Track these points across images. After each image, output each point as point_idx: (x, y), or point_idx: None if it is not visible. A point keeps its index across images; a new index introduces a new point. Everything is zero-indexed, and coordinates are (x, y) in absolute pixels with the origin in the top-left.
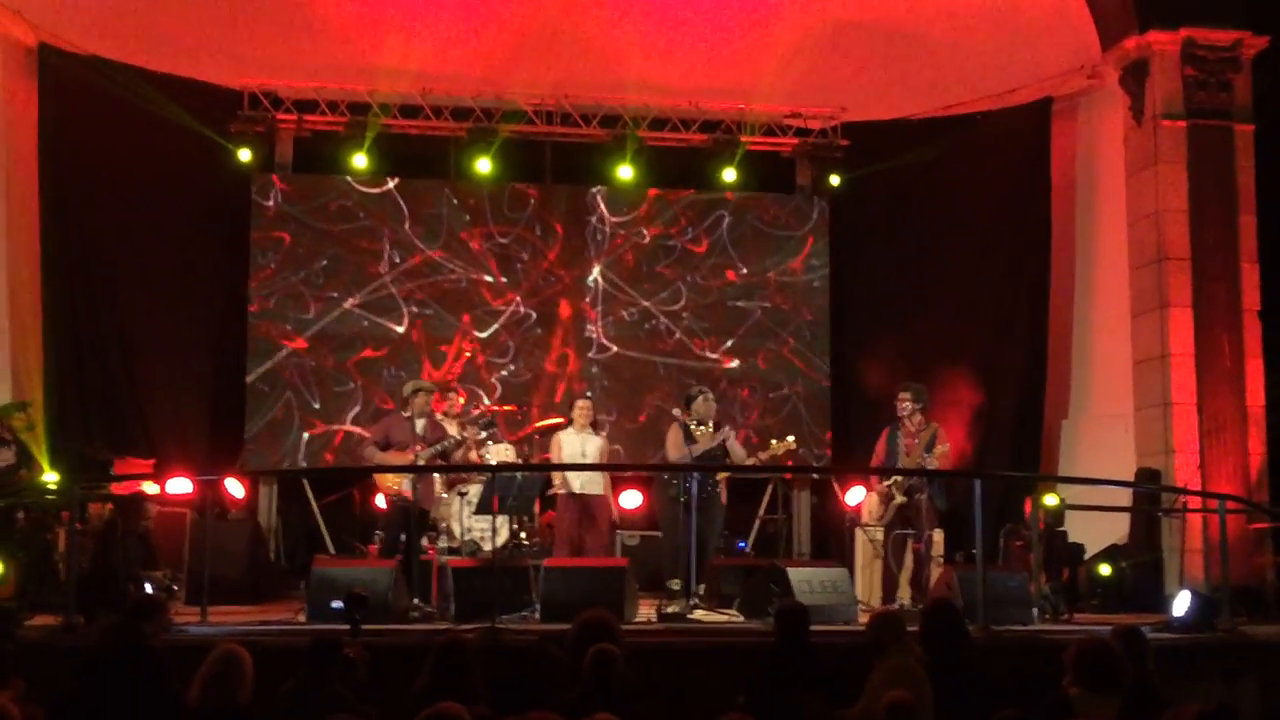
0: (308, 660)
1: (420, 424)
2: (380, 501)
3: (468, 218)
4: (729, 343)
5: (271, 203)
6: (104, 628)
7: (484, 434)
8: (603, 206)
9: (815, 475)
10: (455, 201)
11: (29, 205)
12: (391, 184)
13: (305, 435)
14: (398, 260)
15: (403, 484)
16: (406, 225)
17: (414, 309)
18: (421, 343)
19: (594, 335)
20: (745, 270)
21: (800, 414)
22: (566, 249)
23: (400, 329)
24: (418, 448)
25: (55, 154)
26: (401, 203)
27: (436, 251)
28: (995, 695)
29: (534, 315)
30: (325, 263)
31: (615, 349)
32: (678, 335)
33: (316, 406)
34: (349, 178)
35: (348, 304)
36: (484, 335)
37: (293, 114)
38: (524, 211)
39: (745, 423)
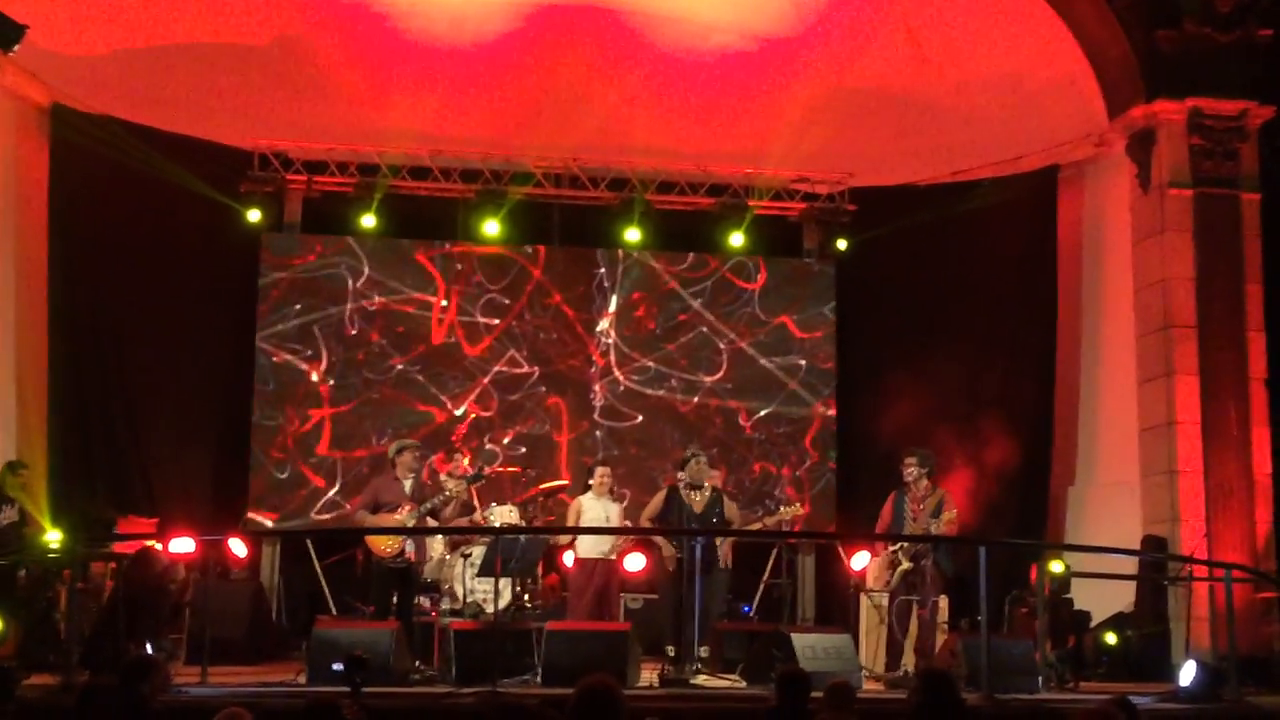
0: None
1: (409, 483)
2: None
3: (476, 278)
4: (732, 405)
5: (273, 265)
6: (89, 688)
7: (470, 487)
8: (610, 269)
9: (821, 540)
10: (461, 265)
11: (38, 263)
12: (398, 244)
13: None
14: (400, 321)
15: (405, 545)
16: (411, 286)
17: (417, 370)
18: (427, 405)
19: (597, 401)
20: (749, 336)
21: (806, 480)
22: (574, 312)
23: (405, 391)
24: (407, 507)
25: (65, 212)
26: (406, 263)
27: (444, 313)
28: None
29: (540, 377)
30: (325, 325)
31: (618, 417)
32: (681, 400)
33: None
34: (352, 238)
35: (350, 368)
36: (490, 397)
37: (302, 175)
38: (531, 273)
39: (754, 486)
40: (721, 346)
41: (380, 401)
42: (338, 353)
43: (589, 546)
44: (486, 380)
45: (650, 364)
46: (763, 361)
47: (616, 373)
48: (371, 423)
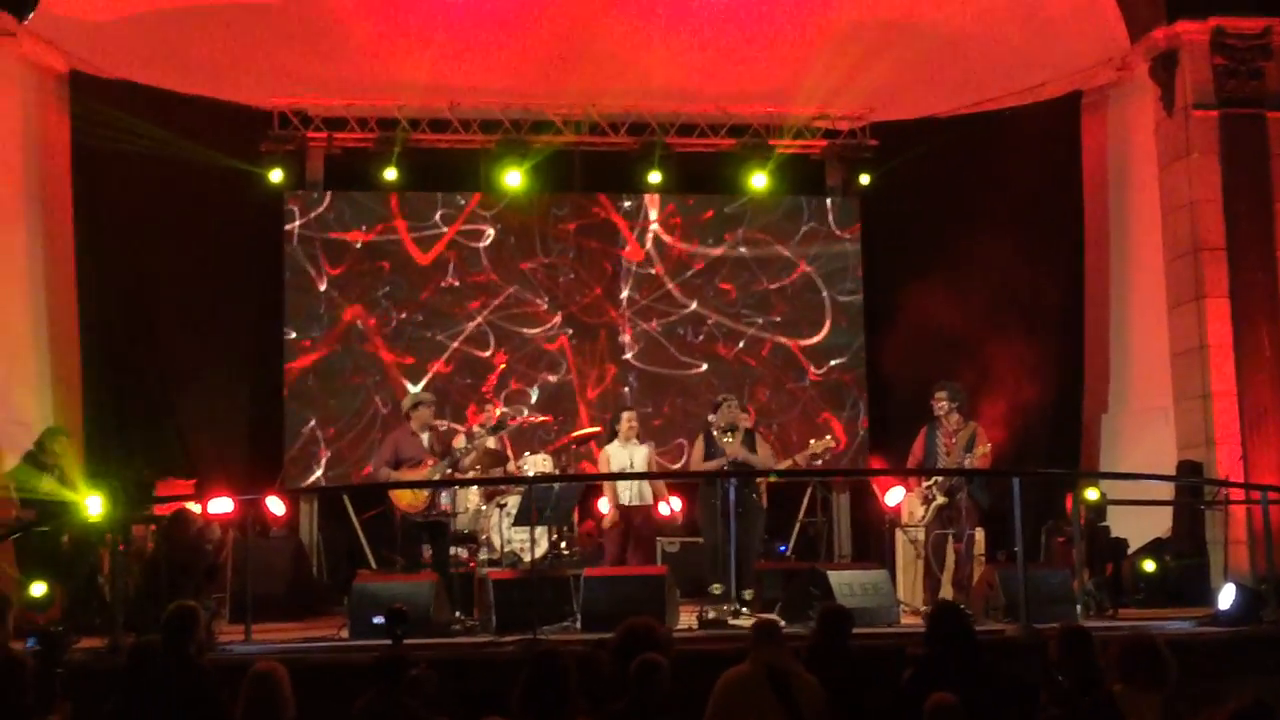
0: (377, 677)
1: (425, 437)
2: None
3: (513, 240)
4: (742, 344)
5: (308, 221)
6: (140, 646)
7: (491, 437)
8: (630, 224)
9: (855, 477)
10: (500, 225)
11: (64, 231)
12: (415, 197)
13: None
14: (434, 276)
15: (438, 499)
16: (430, 237)
17: (483, 329)
18: (479, 359)
19: (627, 343)
20: (773, 273)
21: (815, 408)
22: (599, 266)
23: (469, 349)
24: (429, 461)
25: (89, 178)
26: (423, 215)
27: (488, 273)
28: (1036, 693)
29: (568, 326)
30: (364, 280)
31: (643, 358)
32: (700, 340)
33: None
34: (372, 193)
35: (388, 321)
36: (520, 347)
37: (323, 132)
38: (562, 235)
39: (767, 418)
40: (733, 288)
41: (397, 352)
42: (359, 308)
43: (616, 495)
44: (530, 334)
45: (671, 312)
46: (792, 300)
47: (640, 323)
48: (386, 375)
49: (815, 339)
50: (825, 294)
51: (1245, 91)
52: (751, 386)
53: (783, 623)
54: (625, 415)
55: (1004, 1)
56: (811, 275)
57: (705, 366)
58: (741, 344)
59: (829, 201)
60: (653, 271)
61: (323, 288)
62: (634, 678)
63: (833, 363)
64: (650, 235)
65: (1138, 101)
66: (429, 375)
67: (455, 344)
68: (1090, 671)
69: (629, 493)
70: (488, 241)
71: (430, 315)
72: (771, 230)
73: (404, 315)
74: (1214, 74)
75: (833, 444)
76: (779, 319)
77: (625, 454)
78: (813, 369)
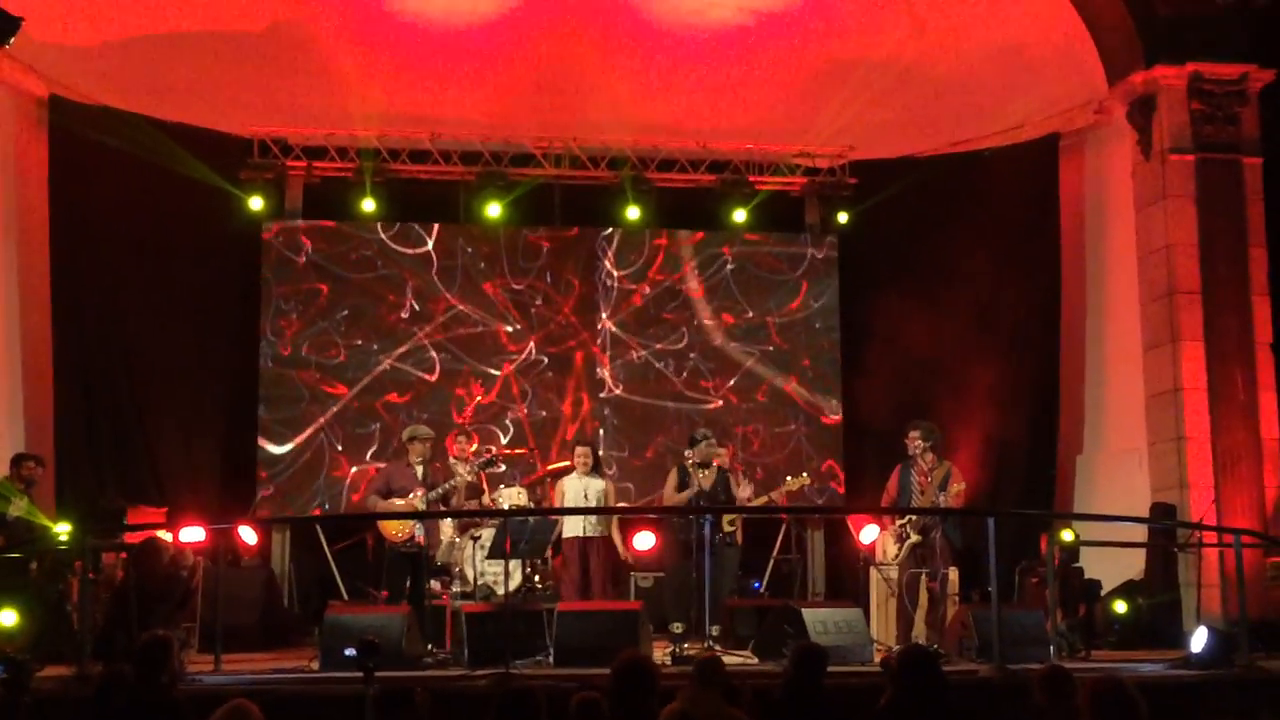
0: (377, 709)
1: (420, 469)
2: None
3: (483, 265)
4: (733, 382)
5: (293, 251)
6: (108, 677)
7: (481, 473)
8: (611, 252)
9: (830, 515)
10: (470, 250)
11: (40, 255)
12: (393, 227)
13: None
14: (417, 307)
15: (414, 530)
16: (426, 272)
17: (432, 354)
18: (439, 387)
19: (604, 377)
20: (749, 311)
21: (804, 450)
22: (577, 294)
23: (420, 374)
24: (419, 492)
25: (66, 203)
26: (419, 250)
27: (453, 298)
28: None
29: (546, 359)
30: (345, 310)
31: (623, 392)
32: (684, 376)
33: (339, 448)
34: (350, 223)
35: (365, 348)
36: (498, 379)
37: (302, 161)
38: (537, 259)
39: (751, 460)
40: (708, 325)
41: (412, 385)
42: (337, 339)
43: (569, 526)
44: (509, 366)
45: (646, 347)
46: (746, 343)
47: (617, 358)
48: (410, 406)
49: (800, 375)
50: (810, 330)
51: (1222, 137)
52: (737, 424)
53: (755, 658)
54: (578, 449)
55: (984, 43)
56: (796, 312)
57: (694, 403)
58: (732, 380)
59: (798, 243)
60: (635, 302)
61: (278, 311)
62: (573, 716)
63: (814, 400)
64: (630, 263)
65: (1115, 145)
66: (384, 406)
67: (404, 369)
68: (1073, 714)
69: (583, 524)
70: (483, 280)
71: (388, 343)
72: (758, 265)
73: (359, 342)
74: (1191, 119)
75: (807, 482)
76: (771, 348)
77: (580, 486)
78: (800, 404)
